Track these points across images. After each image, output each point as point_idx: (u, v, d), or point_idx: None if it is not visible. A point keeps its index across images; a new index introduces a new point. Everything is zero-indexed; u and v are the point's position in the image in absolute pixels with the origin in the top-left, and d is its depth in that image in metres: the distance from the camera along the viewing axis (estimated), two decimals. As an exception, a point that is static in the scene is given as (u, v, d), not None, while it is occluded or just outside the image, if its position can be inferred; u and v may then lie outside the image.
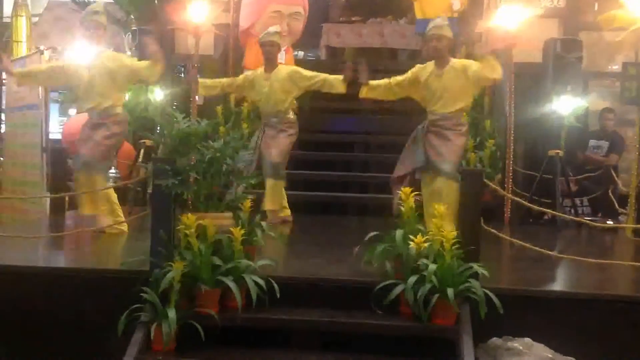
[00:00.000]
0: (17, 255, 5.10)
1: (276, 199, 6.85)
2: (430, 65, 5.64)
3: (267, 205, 6.73)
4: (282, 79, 6.75)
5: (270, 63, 6.87)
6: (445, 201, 4.95)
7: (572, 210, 7.73)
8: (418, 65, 5.79)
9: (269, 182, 6.79)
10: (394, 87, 5.80)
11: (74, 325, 4.36)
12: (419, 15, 10.74)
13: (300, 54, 12.36)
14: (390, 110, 9.57)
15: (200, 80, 7.02)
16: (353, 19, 12.27)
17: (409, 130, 8.89)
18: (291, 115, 6.93)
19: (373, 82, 5.83)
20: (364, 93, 5.89)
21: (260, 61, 9.08)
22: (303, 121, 9.21)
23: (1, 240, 5.81)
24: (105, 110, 5.83)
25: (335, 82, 6.45)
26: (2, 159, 9.58)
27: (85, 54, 6.01)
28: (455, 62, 5.61)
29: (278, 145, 6.82)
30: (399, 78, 5.77)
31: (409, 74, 5.74)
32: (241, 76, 7.13)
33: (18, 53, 10.10)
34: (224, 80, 7.13)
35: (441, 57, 5.56)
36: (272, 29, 6.97)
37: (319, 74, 6.65)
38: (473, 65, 5.46)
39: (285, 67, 6.93)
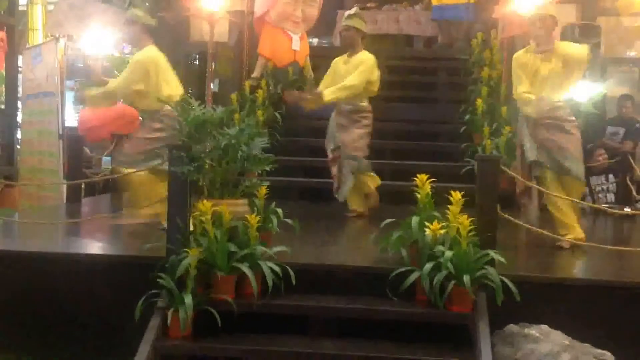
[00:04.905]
0: (34, 242, 5.14)
1: (359, 197, 6.74)
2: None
3: (352, 204, 6.72)
4: (357, 64, 6.57)
5: (350, 48, 6.73)
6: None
7: (590, 198, 7.68)
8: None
9: (352, 179, 6.65)
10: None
11: (91, 311, 4.40)
12: (434, 1, 10.67)
13: (315, 40, 12.31)
14: (402, 98, 9.54)
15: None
16: (368, 5, 12.18)
17: (423, 117, 8.98)
18: (365, 104, 6.70)
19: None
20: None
21: (274, 48, 9.13)
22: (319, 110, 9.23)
23: (19, 227, 5.87)
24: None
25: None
26: (19, 147, 9.64)
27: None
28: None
29: (351, 137, 6.63)
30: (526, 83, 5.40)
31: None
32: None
33: (34, 41, 10.14)
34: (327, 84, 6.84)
35: (549, 39, 5.36)
36: (348, 12, 6.80)
37: (351, 79, 6.49)
38: None
39: (364, 54, 6.64)
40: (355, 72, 6.52)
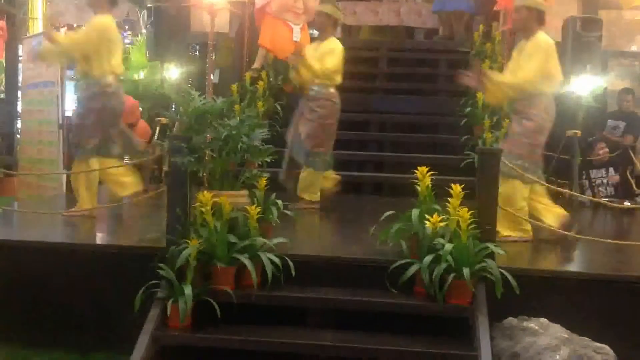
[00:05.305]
0: (34, 232, 5.14)
1: (309, 188, 6.49)
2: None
3: (299, 192, 6.52)
4: (326, 52, 6.45)
5: (321, 33, 6.71)
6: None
7: (590, 191, 7.68)
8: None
9: (304, 170, 6.49)
10: None
11: (91, 301, 4.41)
12: (436, -7, 10.64)
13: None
14: (406, 90, 9.53)
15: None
16: (369, -4, 12.15)
17: (423, 110, 8.97)
18: (331, 90, 6.48)
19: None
20: None
21: (275, 39, 9.10)
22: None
23: (19, 217, 5.87)
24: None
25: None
26: (18, 136, 9.64)
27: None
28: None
29: (305, 126, 6.47)
30: None
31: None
32: None
33: (34, 30, 10.13)
34: None
35: (524, 29, 5.22)
36: None
37: (319, 65, 6.37)
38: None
39: (333, 42, 6.49)
40: (328, 58, 6.38)
